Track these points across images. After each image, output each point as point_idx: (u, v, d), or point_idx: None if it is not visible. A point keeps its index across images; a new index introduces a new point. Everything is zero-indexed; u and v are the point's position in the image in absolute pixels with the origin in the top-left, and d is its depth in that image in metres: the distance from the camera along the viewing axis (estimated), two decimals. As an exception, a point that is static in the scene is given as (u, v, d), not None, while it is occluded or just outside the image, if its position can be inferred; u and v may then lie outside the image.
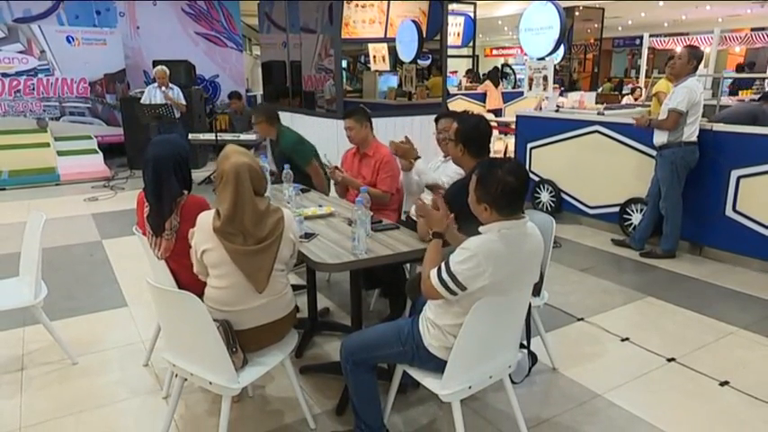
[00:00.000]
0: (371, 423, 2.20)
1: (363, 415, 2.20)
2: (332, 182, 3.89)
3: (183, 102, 7.31)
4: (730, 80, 11.70)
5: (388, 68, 10.96)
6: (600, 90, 13.47)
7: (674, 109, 4.16)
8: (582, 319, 3.49)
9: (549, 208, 5.72)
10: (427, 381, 2.07)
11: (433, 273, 1.96)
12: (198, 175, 7.62)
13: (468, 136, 2.60)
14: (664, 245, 4.55)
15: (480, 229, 1.97)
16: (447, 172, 3.14)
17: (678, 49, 4.51)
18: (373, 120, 3.71)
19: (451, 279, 1.90)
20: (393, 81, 10.70)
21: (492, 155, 2.86)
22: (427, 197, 3.14)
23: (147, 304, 3.55)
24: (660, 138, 4.34)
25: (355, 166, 3.69)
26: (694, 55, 4.24)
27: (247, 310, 2.15)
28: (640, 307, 3.69)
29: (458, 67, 16.47)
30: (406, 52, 8.16)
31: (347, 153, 3.80)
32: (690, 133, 4.24)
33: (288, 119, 7.80)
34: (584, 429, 2.43)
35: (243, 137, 7.34)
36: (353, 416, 2.26)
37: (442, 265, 1.94)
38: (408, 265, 3.35)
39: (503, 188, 1.90)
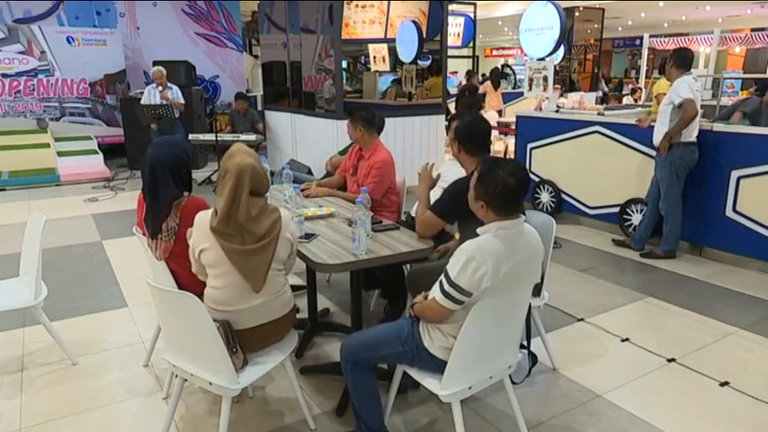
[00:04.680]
0: (371, 424, 2.20)
1: (363, 415, 2.20)
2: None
3: (182, 101, 7.29)
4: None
5: (388, 69, 10.97)
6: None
7: (686, 98, 4.11)
8: (582, 319, 3.49)
9: (550, 208, 5.72)
10: (427, 381, 2.07)
11: (436, 292, 1.96)
12: (198, 175, 7.63)
13: (463, 134, 2.61)
14: (664, 245, 4.55)
15: (478, 230, 1.98)
16: (451, 169, 3.13)
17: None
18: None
19: (455, 289, 1.89)
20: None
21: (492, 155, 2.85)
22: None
23: (148, 305, 3.55)
24: (660, 138, 4.33)
25: (354, 164, 3.71)
26: (680, 56, 4.30)
27: (245, 310, 2.15)
28: (640, 307, 3.69)
29: (458, 67, 16.47)
30: (406, 53, 8.17)
31: (354, 148, 3.82)
32: (689, 133, 4.24)
33: (288, 119, 7.81)
34: (585, 430, 2.42)
35: (243, 137, 7.35)
36: (354, 416, 2.26)
37: (442, 278, 1.94)
38: (408, 265, 3.35)
39: (502, 188, 1.91)
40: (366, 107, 3.78)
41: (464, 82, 13.84)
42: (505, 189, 1.91)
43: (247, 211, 2.11)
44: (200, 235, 2.14)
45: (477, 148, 2.60)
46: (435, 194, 3.06)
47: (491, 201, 1.94)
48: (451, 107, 9.61)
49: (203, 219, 2.15)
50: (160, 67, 7.26)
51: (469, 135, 2.61)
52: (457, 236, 2.73)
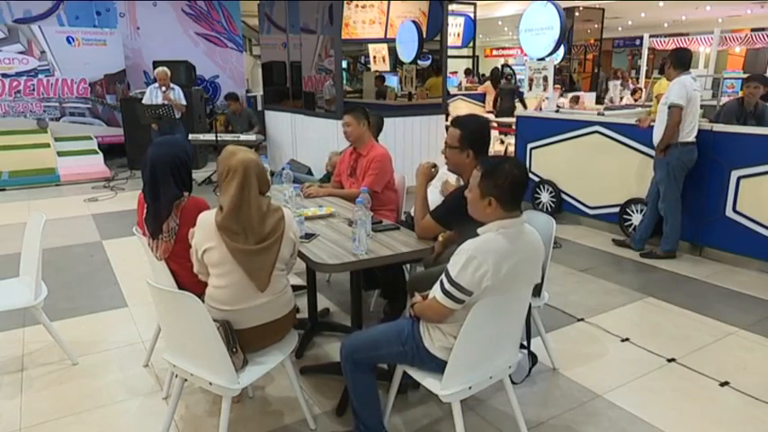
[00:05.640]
0: (370, 424, 2.20)
1: (362, 415, 2.20)
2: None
3: (184, 102, 7.29)
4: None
5: (388, 69, 10.97)
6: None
7: (674, 104, 4.15)
8: (582, 319, 3.49)
9: (550, 208, 5.72)
10: (427, 381, 2.07)
11: (437, 292, 1.95)
12: (198, 175, 7.63)
13: (475, 138, 2.54)
14: (664, 245, 4.54)
15: (479, 230, 1.98)
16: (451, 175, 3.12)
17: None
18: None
19: (456, 288, 1.89)
20: (393, 81, 10.72)
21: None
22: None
23: (148, 305, 3.55)
24: (659, 138, 4.33)
25: (351, 165, 3.71)
26: (678, 56, 4.32)
27: (248, 309, 2.16)
28: (640, 307, 3.69)
29: (457, 67, 16.49)
30: (406, 53, 8.18)
31: (346, 151, 3.82)
32: (687, 133, 4.24)
33: (288, 119, 7.81)
34: (585, 430, 2.42)
35: (242, 137, 7.35)
36: (353, 416, 2.26)
37: (443, 278, 1.94)
38: (408, 265, 3.36)
39: (510, 180, 1.94)
40: (359, 105, 3.79)
41: (464, 82, 13.87)
42: (514, 181, 1.95)
43: (258, 208, 2.12)
44: (204, 234, 2.14)
45: (485, 151, 2.59)
46: (431, 195, 3.06)
47: (501, 195, 1.95)
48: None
49: (207, 218, 2.15)
50: (165, 68, 7.25)
51: (480, 138, 2.58)
52: (440, 237, 2.71)
